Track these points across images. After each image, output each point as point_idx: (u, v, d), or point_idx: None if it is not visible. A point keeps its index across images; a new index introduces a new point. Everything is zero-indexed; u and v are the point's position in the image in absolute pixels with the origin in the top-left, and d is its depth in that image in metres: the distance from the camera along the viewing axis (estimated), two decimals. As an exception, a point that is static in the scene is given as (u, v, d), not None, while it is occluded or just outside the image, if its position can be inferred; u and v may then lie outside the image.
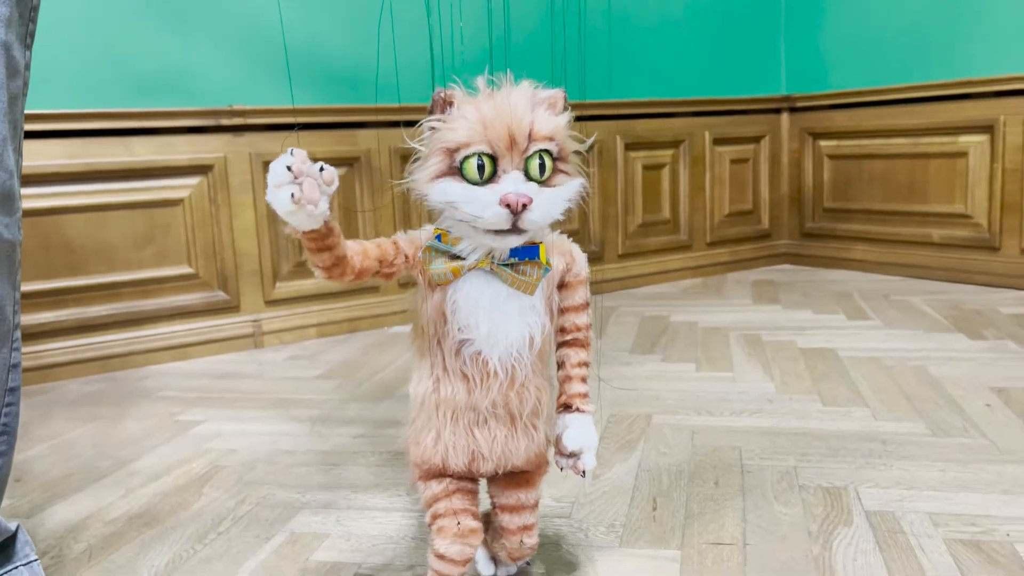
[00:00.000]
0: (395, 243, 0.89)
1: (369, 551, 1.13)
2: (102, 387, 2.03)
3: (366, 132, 2.45)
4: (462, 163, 0.83)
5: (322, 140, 2.40)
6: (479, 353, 0.87)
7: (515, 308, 0.87)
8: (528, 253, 0.87)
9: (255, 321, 2.35)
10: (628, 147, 2.97)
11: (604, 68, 2.91)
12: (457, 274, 0.86)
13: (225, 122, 2.27)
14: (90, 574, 1.10)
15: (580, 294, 0.94)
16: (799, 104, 3.26)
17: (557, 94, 0.88)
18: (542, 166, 0.84)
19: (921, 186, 2.89)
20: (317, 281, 2.41)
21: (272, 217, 2.35)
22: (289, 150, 0.75)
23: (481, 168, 0.82)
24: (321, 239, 0.80)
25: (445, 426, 0.90)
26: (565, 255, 0.92)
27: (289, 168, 0.74)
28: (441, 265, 0.87)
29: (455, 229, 0.87)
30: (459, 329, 0.86)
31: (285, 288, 2.39)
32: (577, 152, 0.89)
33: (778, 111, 3.31)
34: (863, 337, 2.14)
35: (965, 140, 2.74)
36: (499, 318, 0.86)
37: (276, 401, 1.84)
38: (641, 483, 1.31)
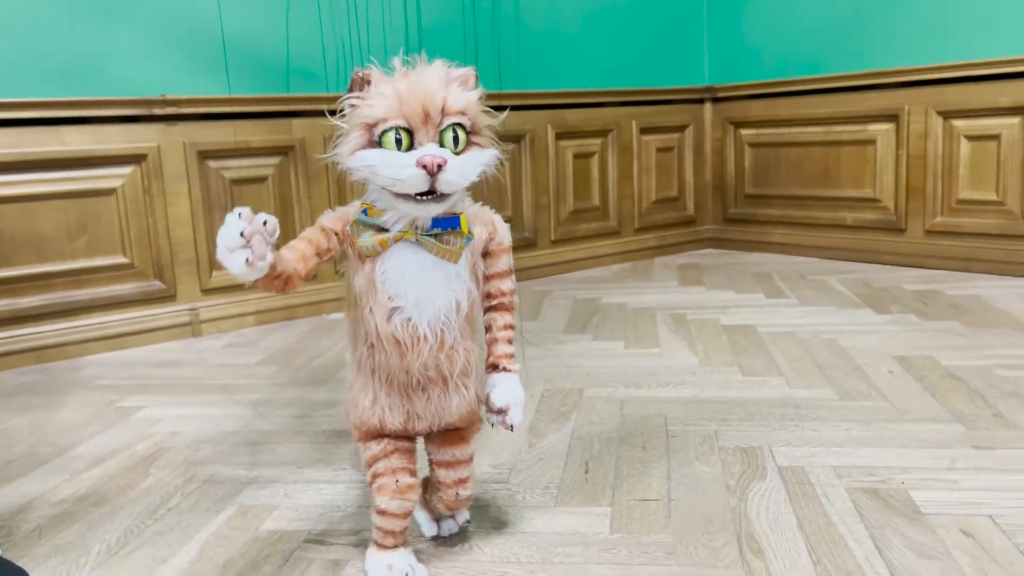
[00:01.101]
0: (323, 229, 0.94)
1: (317, 519, 1.19)
2: (37, 378, 2.02)
3: (300, 121, 2.48)
4: (381, 137, 0.89)
5: (257, 129, 2.42)
6: (409, 319, 0.93)
7: (441, 276, 0.93)
8: (450, 223, 0.93)
9: (192, 310, 2.36)
10: (559, 136, 3.06)
11: (533, 59, 2.98)
12: (385, 246, 0.92)
13: (158, 111, 2.26)
14: (42, 551, 1.13)
15: (503, 261, 1.01)
16: (720, 94, 3.39)
17: (468, 72, 0.95)
18: (456, 139, 0.91)
19: (834, 172, 3.05)
20: (254, 269, 2.44)
21: (208, 206, 2.36)
22: (236, 212, 0.80)
23: (399, 142, 0.89)
24: (269, 278, 0.86)
25: (381, 388, 0.97)
26: (487, 225, 0.99)
27: (242, 233, 0.80)
28: (368, 238, 0.93)
29: (379, 201, 0.93)
30: (389, 298, 0.93)
31: (222, 276, 2.40)
32: (495, 132, 0.96)
33: (701, 101, 3.44)
34: (780, 314, 2.27)
35: (873, 128, 2.91)
36: (426, 286, 0.93)
37: (217, 387, 1.86)
38: (574, 449, 1.39)
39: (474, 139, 0.93)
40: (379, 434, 1.00)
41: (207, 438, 1.54)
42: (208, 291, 2.39)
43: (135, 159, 2.25)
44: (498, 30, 2.73)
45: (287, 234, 2.42)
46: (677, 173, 3.43)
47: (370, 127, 0.89)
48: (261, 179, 2.44)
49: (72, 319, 2.20)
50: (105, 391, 1.88)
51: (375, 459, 0.99)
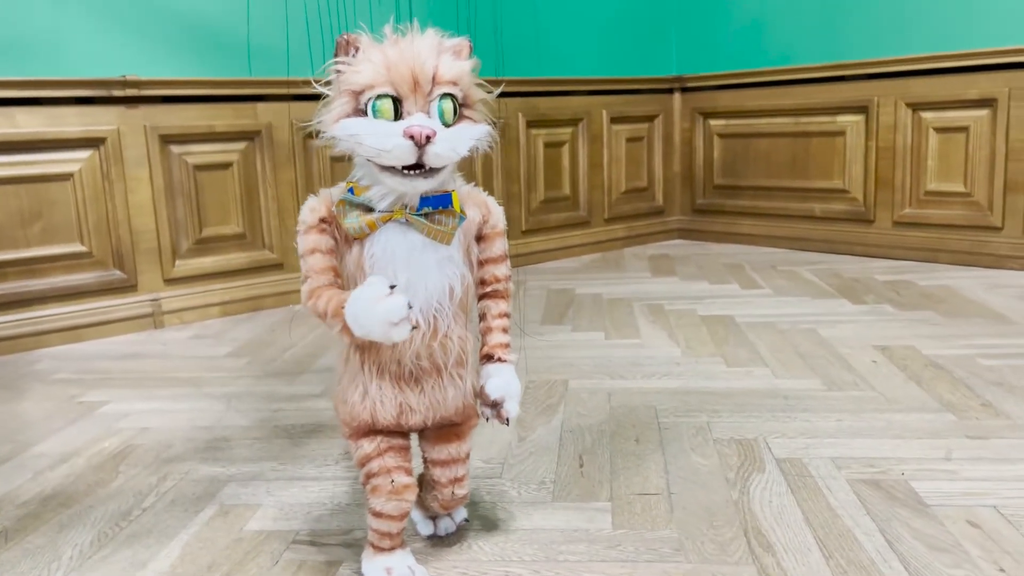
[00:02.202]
0: (320, 229, 0.88)
1: (304, 519, 1.13)
2: (-10, 372, 1.92)
3: (265, 105, 2.39)
4: (367, 105, 0.83)
5: (221, 113, 2.32)
6: None
7: (433, 259, 0.88)
8: (441, 202, 0.88)
9: (154, 300, 2.26)
10: (530, 125, 3.01)
11: (503, 46, 2.93)
12: (373, 227, 0.87)
13: (117, 93, 2.16)
14: (9, 556, 1.06)
15: (498, 245, 0.96)
16: (689, 84, 3.38)
17: (462, 42, 0.89)
18: (446, 110, 0.85)
19: (803, 163, 3.06)
20: (219, 259, 2.36)
21: (170, 193, 2.27)
22: (384, 283, 0.81)
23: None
24: None
25: (371, 380, 0.90)
26: (481, 207, 0.94)
27: (409, 304, 0.81)
28: (356, 219, 0.87)
29: (365, 177, 0.87)
30: None
31: (185, 266, 2.31)
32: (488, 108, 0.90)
33: (670, 91, 3.42)
34: (757, 304, 2.26)
35: (842, 120, 2.92)
36: (417, 269, 0.87)
37: (186, 380, 1.79)
38: (566, 443, 1.36)
39: (466, 112, 0.88)
40: (371, 430, 0.94)
41: (179, 434, 1.47)
42: (171, 281, 2.29)
43: (93, 143, 2.15)
44: (499, 15, 2.67)
45: (254, 224, 2.35)
46: (647, 163, 3.41)
47: (356, 94, 0.84)
48: (226, 165, 2.35)
49: (26, 310, 2.09)
50: (65, 385, 1.79)
51: (368, 458, 0.93)
